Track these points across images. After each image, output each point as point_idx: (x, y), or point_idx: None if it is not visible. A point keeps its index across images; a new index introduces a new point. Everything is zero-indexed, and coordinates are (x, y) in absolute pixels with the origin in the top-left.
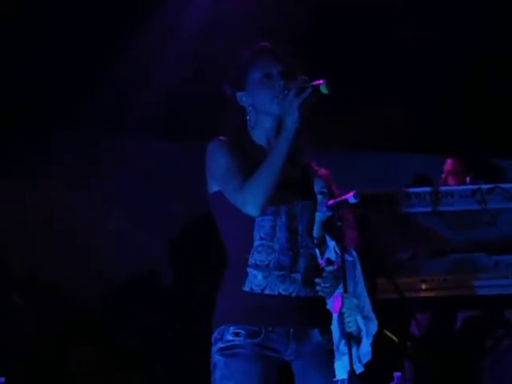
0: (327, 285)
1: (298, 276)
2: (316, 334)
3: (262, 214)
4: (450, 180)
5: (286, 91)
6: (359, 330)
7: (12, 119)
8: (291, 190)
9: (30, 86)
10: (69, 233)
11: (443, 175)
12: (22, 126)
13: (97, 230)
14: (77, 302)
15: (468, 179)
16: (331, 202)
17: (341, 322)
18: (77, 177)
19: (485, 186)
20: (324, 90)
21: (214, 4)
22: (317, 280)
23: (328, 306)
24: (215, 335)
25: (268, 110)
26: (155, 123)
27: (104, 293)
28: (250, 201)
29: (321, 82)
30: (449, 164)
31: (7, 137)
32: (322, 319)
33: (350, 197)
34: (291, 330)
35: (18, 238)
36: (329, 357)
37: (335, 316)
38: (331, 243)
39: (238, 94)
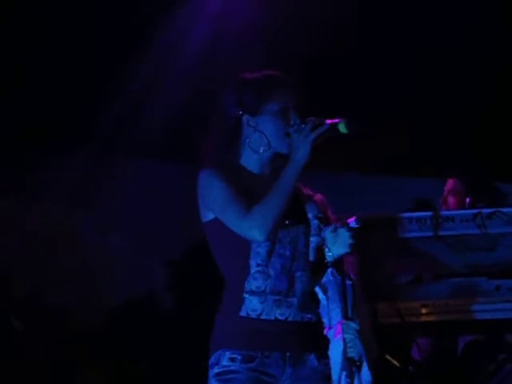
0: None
1: (294, 300)
2: (312, 359)
3: (265, 240)
4: (450, 199)
5: (303, 125)
6: (360, 354)
7: (12, 142)
8: (286, 215)
9: (28, 105)
10: (69, 256)
11: (444, 194)
12: (22, 148)
13: (97, 253)
14: (78, 325)
15: (468, 200)
16: None
17: (342, 349)
18: (77, 200)
19: (485, 211)
20: (343, 129)
21: (217, 26)
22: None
23: (326, 333)
24: (212, 360)
25: (278, 143)
26: (156, 145)
27: (105, 316)
28: (257, 226)
29: (337, 120)
30: (449, 183)
31: (7, 158)
32: (319, 344)
33: (352, 222)
34: (287, 354)
35: (19, 261)
36: (325, 382)
37: (335, 344)
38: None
39: (246, 117)
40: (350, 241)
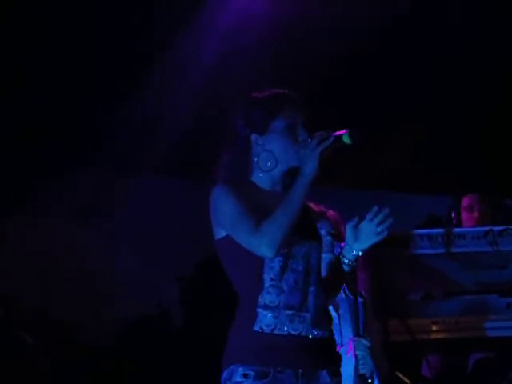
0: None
1: (307, 315)
2: (324, 375)
3: (276, 255)
4: (464, 216)
5: (309, 140)
6: (372, 371)
7: (17, 158)
8: (298, 231)
9: (36, 124)
10: (79, 271)
11: (459, 211)
12: (30, 165)
13: (107, 268)
14: (86, 340)
15: (476, 214)
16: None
17: (354, 366)
18: (87, 215)
19: (496, 228)
20: (347, 140)
21: (227, 42)
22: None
23: (338, 350)
24: (224, 375)
25: (287, 160)
26: (166, 160)
27: (114, 331)
28: (266, 243)
29: (343, 131)
30: (465, 201)
31: (15, 175)
32: (331, 360)
33: None
34: (300, 371)
35: (29, 277)
36: None
37: (347, 361)
38: None
39: (254, 135)
40: (379, 228)
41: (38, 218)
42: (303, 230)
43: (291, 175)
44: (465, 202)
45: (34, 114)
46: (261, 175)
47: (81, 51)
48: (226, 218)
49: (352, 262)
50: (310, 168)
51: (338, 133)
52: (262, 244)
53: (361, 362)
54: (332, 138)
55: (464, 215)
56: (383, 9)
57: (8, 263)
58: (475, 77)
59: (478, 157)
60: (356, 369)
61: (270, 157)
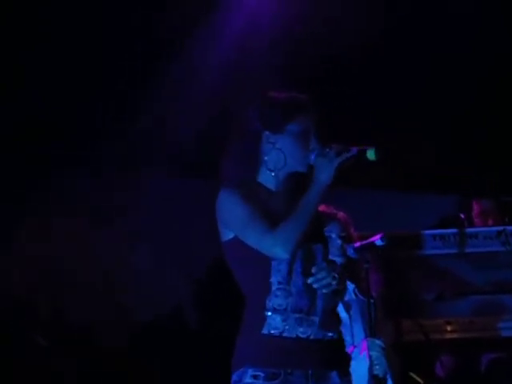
0: (322, 275)
1: (315, 318)
2: (334, 377)
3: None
4: (478, 222)
5: (328, 149)
6: (385, 372)
7: (34, 156)
8: (306, 234)
9: (36, 124)
10: (94, 273)
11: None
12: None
13: (121, 269)
14: (102, 342)
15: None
16: (358, 244)
17: (368, 366)
18: (101, 216)
19: (509, 228)
20: (371, 156)
21: (239, 44)
22: (312, 270)
23: (350, 352)
24: (234, 378)
25: (294, 164)
26: (181, 160)
27: (129, 333)
28: (280, 244)
29: (366, 147)
30: (476, 207)
31: (25, 175)
32: (341, 361)
33: (377, 239)
34: (310, 372)
35: (44, 279)
36: None
37: (361, 361)
38: (350, 286)
39: (267, 133)
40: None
41: (50, 219)
42: (311, 232)
43: (294, 178)
44: (476, 208)
45: (34, 114)
46: (267, 174)
47: (87, 51)
48: (235, 219)
49: None
50: (325, 176)
51: (359, 148)
52: (277, 245)
53: (375, 362)
54: (354, 151)
55: (477, 222)
56: (381, 9)
57: (21, 266)
58: (471, 75)
59: (473, 155)
60: (370, 369)
61: (280, 156)
